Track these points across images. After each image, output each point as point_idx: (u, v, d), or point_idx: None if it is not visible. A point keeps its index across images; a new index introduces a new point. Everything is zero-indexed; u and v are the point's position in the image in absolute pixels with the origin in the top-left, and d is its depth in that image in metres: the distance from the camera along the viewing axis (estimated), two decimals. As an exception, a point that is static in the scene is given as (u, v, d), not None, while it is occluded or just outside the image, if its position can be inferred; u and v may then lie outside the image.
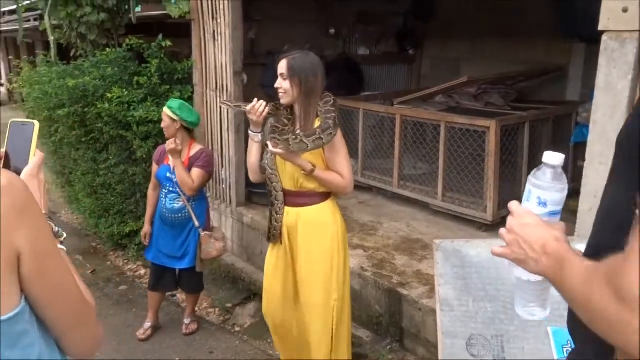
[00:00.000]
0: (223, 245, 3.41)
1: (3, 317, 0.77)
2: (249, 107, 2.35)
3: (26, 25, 8.93)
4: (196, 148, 3.34)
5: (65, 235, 1.04)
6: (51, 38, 5.43)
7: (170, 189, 3.31)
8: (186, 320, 3.62)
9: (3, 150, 1.04)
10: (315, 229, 2.46)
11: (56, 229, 1.01)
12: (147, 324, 3.56)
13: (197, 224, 3.33)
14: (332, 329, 2.50)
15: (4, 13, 13.62)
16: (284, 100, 2.35)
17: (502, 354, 2.22)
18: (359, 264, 3.44)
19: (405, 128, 4.43)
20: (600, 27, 2.02)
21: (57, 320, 0.86)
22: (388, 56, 6.55)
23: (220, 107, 4.42)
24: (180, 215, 3.33)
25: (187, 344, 3.47)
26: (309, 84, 2.30)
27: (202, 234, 3.33)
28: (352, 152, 4.89)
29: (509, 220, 0.95)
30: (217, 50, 4.36)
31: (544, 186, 0.94)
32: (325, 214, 2.47)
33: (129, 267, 4.82)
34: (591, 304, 0.68)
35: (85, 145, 4.88)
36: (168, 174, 3.28)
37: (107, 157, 4.76)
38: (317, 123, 2.36)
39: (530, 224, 0.90)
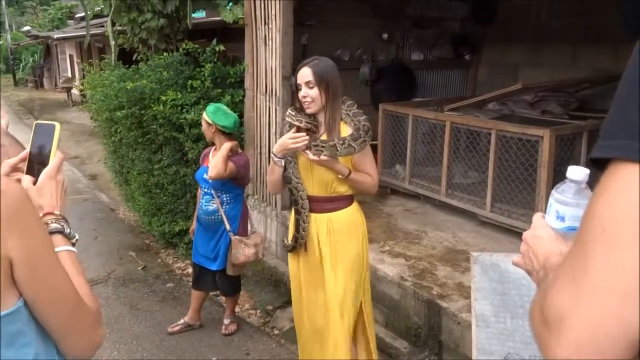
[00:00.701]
0: (253, 252, 3.38)
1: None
2: (295, 135, 2.27)
3: (97, 31, 9.42)
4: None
5: (77, 237, 1.06)
6: (112, 42, 5.68)
7: (206, 190, 3.37)
8: (226, 321, 3.66)
9: (27, 151, 1.08)
10: (350, 231, 2.48)
11: (67, 230, 1.03)
12: (181, 320, 3.67)
13: (228, 227, 3.35)
14: (367, 328, 2.59)
15: (79, 19, 14.41)
16: (312, 109, 2.33)
17: (540, 376, 2.10)
18: (399, 273, 3.36)
19: (456, 135, 4.31)
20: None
21: (50, 322, 0.88)
22: (443, 61, 6.40)
23: (269, 110, 4.47)
24: (213, 217, 3.38)
25: (225, 344, 3.51)
26: (334, 88, 2.30)
27: (233, 238, 3.35)
28: (401, 159, 4.82)
29: (527, 231, 0.95)
30: (267, 55, 4.41)
31: (564, 201, 0.90)
32: (356, 215, 2.51)
33: (178, 265, 4.96)
34: (532, 321, 0.68)
35: (141, 145, 5.07)
36: (205, 175, 3.32)
37: (160, 157, 4.92)
38: (342, 126, 2.36)
39: (542, 237, 0.89)
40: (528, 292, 2.22)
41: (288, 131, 2.35)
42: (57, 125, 1.09)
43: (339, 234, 2.44)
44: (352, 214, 2.48)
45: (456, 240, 3.87)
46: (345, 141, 2.26)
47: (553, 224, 0.91)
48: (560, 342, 0.58)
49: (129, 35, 5.72)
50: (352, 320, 2.51)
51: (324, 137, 2.34)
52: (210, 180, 3.27)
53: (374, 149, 3.31)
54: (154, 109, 4.65)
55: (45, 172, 1.05)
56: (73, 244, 1.05)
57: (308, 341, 2.60)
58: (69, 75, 17.93)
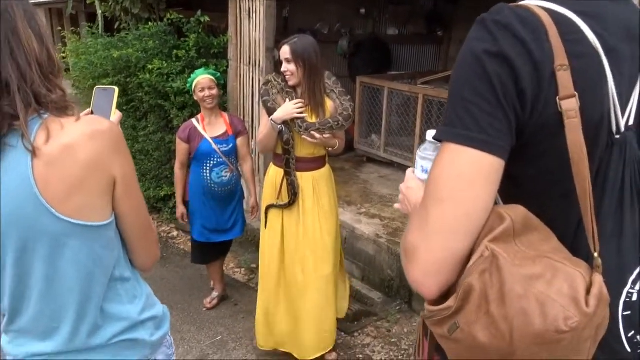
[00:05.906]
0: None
1: (104, 222, 1.07)
2: (300, 105, 2.60)
3: (71, -3, 9.31)
4: (225, 115, 3.39)
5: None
6: (99, 12, 5.75)
7: (218, 160, 3.20)
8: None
9: (89, 110, 1.32)
10: (330, 184, 2.87)
11: None
12: (215, 294, 3.69)
13: (252, 189, 3.38)
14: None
15: (49, -16, 14.00)
16: (292, 81, 2.64)
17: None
18: (375, 232, 3.69)
19: (428, 107, 4.62)
20: None
21: (131, 232, 1.15)
22: (417, 37, 6.68)
23: (252, 80, 4.68)
24: (230, 186, 3.29)
25: (215, 296, 3.80)
26: (311, 64, 2.59)
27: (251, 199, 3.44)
28: (376, 129, 5.12)
29: (402, 184, 1.18)
30: (251, 27, 4.60)
31: (426, 157, 1.13)
32: (330, 171, 2.92)
33: (163, 228, 5.18)
34: (401, 256, 0.92)
35: (126, 113, 5.21)
36: (214, 146, 3.20)
37: (146, 124, 5.09)
38: (326, 99, 2.70)
39: (413, 187, 1.12)
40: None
41: (269, 96, 2.69)
42: (116, 89, 1.34)
43: (326, 186, 2.82)
44: (329, 170, 2.89)
45: (426, 204, 4.21)
46: (339, 122, 2.64)
47: (420, 176, 1.13)
48: (414, 267, 0.84)
49: (110, 4, 5.78)
50: (335, 266, 2.87)
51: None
52: (223, 149, 3.21)
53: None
54: (140, 77, 4.80)
55: None
56: None
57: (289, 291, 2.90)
58: (38, 42, 17.47)
